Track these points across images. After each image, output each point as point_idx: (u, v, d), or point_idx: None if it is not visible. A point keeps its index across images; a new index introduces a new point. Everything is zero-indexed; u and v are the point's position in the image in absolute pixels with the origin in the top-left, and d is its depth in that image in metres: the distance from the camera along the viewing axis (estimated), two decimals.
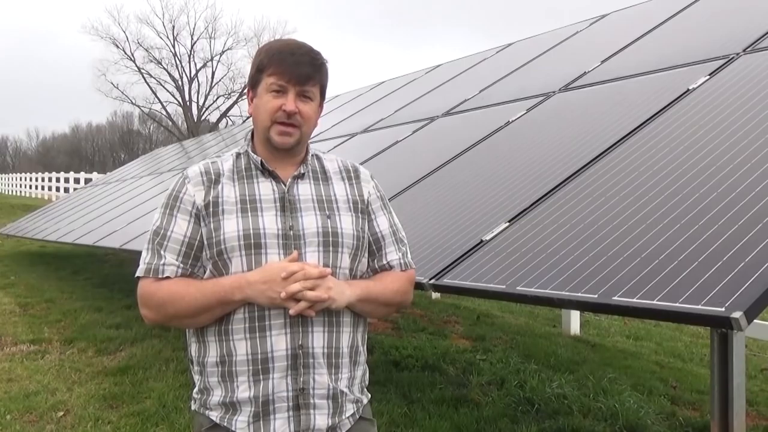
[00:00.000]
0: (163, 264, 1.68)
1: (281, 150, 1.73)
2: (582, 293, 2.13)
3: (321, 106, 1.80)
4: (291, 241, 1.67)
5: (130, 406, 4.34)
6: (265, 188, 1.72)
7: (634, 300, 1.96)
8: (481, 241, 2.89)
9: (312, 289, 1.59)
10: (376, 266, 1.80)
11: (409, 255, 1.86)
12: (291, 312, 1.60)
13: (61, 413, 4.25)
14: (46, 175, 31.43)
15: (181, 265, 1.68)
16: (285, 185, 1.73)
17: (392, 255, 1.81)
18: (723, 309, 1.73)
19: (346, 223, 1.74)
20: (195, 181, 1.73)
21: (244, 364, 1.64)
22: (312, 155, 1.82)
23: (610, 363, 5.47)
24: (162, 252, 1.68)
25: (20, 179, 35.15)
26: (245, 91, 1.83)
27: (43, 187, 30.91)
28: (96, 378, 4.96)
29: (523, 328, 6.75)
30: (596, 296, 2.08)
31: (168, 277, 1.67)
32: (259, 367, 1.64)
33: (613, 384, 4.70)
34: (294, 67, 1.68)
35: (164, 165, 12.63)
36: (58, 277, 9.95)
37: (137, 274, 1.71)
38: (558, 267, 2.36)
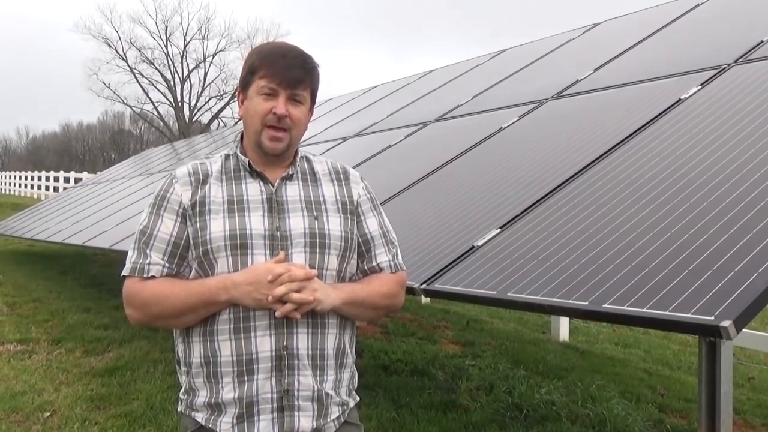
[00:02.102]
0: (149, 263, 1.68)
1: (271, 155, 1.73)
2: (573, 300, 2.14)
3: (311, 110, 1.80)
4: (278, 242, 1.67)
5: (117, 407, 4.32)
6: (253, 189, 1.72)
7: (625, 308, 1.97)
8: (473, 246, 2.90)
9: (298, 291, 1.59)
10: (366, 268, 1.79)
11: (399, 257, 1.85)
12: (277, 314, 1.60)
13: (48, 414, 4.22)
14: (36, 173, 31.27)
15: (167, 265, 1.68)
16: (273, 186, 1.73)
17: (382, 257, 1.80)
18: (712, 318, 1.74)
19: (334, 225, 1.73)
20: (183, 181, 1.74)
21: (229, 365, 1.64)
22: (301, 157, 1.82)
23: (599, 370, 5.49)
24: (148, 251, 1.69)
25: (9, 178, 34.93)
26: (236, 93, 1.82)
27: (32, 186, 30.73)
28: (83, 378, 4.93)
29: (513, 334, 6.76)
30: (587, 303, 2.09)
31: (153, 277, 1.67)
32: (244, 368, 1.64)
33: (601, 391, 4.71)
34: (285, 70, 1.68)
35: (155, 166, 12.59)
36: (46, 276, 9.89)
37: (123, 273, 1.71)
38: (549, 274, 2.37)
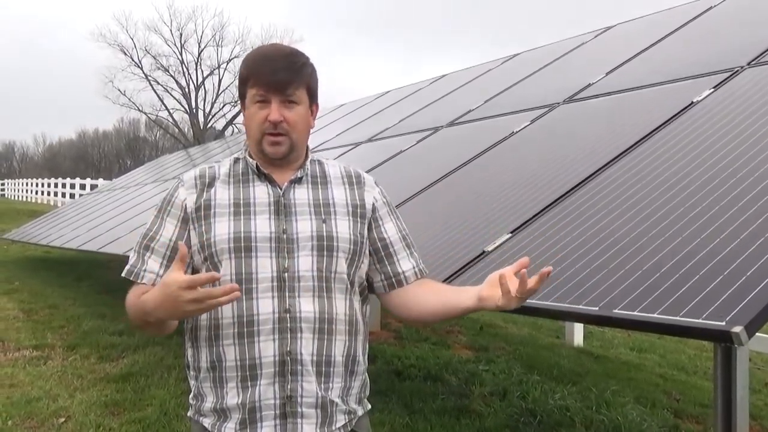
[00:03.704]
0: (145, 270, 1.69)
1: (275, 159, 1.72)
2: (583, 305, 2.13)
3: (315, 105, 1.77)
4: (284, 244, 1.65)
5: (131, 413, 4.34)
6: (261, 192, 1.71)
7: (635, 313, 1.96)
8: (483, 252, 2.89)
9: None
10: (390, 272, 1.78)
11: (421, 261, 1.84)
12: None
13: (63, 419, 4.25)
14: (52, 180, 31.54)
15: (162, 273, 1.68)
16: (281, 189, 1.72)
17: (406, 264, 1.79)
18: (724, 323, 1.72)
19: (343, 228, 1.71)
20: (188, 184, 1.74)
21: (233, 370, 1.63)
22: (312, 161, 1.80)
23: (613, 375, 5.46)
24: (146, 257, 1.70)
25: (26, 185, 35.27)
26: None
27: (48, 193, 31.00)
28: (98, 384, 4.96)
29: (527, 339, 6.73)
30: (597, 309, 2.08)
31: (144, 285, 1.68)
32: (247, 373, 1.62)
33: (615, 396, 4.68)
34: (271, 76, 1.65)
35: (169, 172, 12.67)
36: (61, 283, 9.96)
37: (123, 273, 1.73)
38: (559, 279, 2.35)
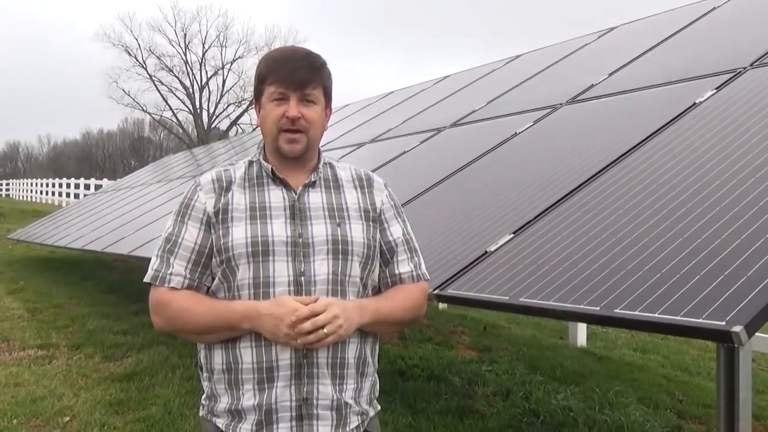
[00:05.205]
0: (171, 273, 1.68)
1: (291, 158, 1.73)
2: (585, 305, 2.14)
3: (329, 108, 1.79)
4: (300, 248, 1.66)
5: (135, 412, 4.36)
6: (276, 196, 1.72)
7: (636, 313, 1.97)
8: (486, 252, 2.90)
9: (322, 326, 1.58)
10: (388, 275, 1.79)
11: (422, 266, 1.84)
12: (299, 341, 1.59)
13: (67, 418, 4.27)
14: (57, 181, 31.60)
15: (189, 276, 1.69)
16: (296, 193, 1.73)
17: (404, 266, 1.79)
18: (724, 323, 1.73)
19: (357, 232, 1.73)
20: (206, 188, 1.74)
21: (250, 372, 1.65)
22: (324, 163, 1.81)
23: (617, 376, 5.45)
24: (171, 260, 1.69)
25: (31, 185, 35.34)
26: (253, 102, 1.83)
27: (53, 193, 31.06)
28: (102, 384, 4.98)
29: (530, 340, 6.74)
30: (599, 308, 2.09)
31: (174, 288, 1.68)
32: (264, 375, 1.64)
33: (619, 397, 4.68)
34: (292, 73, 1.68)
35: (174, 172, 12.69)
36: (66, 282, 9.99)
37: (145, 279, 1.72)
38: (561, 279, 2.37)
